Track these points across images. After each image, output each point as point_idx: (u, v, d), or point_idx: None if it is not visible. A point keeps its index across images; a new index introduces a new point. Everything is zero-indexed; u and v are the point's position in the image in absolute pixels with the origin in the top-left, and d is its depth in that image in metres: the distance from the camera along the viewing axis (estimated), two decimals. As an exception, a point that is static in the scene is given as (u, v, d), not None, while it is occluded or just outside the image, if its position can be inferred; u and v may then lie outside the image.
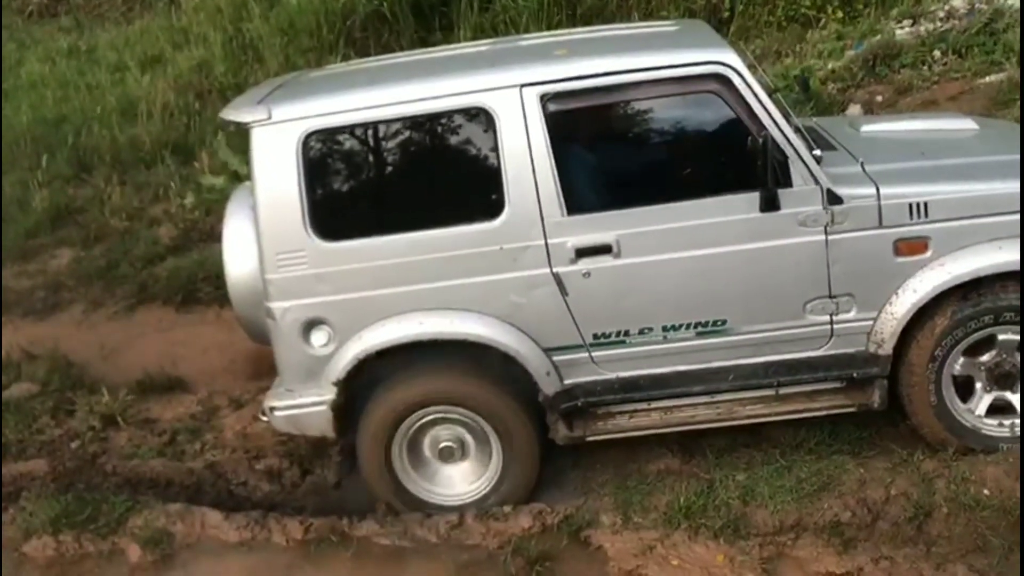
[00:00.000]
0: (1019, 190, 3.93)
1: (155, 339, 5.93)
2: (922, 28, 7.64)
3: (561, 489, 4.44)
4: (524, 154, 4.03)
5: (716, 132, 4.23)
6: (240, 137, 4.19)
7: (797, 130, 4.11)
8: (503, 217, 4.08)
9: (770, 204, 3.98)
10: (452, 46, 5.74)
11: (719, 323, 4.16)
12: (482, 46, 5.10)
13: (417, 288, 4.13)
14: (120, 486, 4.82)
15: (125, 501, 4.51)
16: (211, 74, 9.14)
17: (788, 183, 3.98)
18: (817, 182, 3.98)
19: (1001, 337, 4.09)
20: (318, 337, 4.22)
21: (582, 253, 4.08)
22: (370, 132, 4.17)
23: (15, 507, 4.56)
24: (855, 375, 4.16)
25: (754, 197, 3.98)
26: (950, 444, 4.12)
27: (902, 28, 7.78)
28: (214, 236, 6.20)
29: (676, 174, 4.34)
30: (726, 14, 8.58)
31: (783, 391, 4.24)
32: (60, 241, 7.28)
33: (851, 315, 4.11)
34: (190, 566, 4.23)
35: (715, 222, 4.03)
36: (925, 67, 7.28)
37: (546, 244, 4.08)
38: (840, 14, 8.33)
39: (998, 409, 4.19)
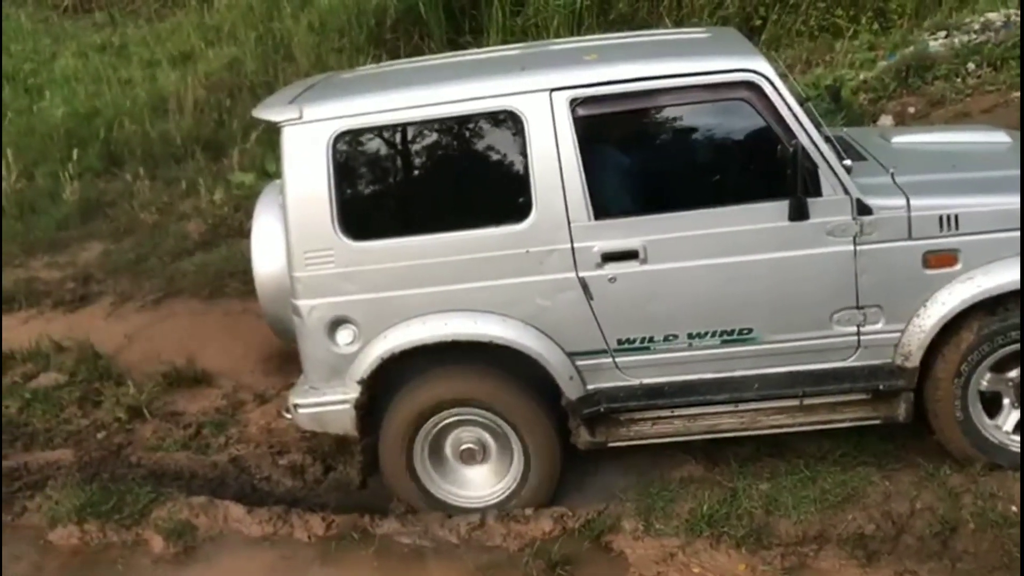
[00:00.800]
0: None
1: (182, 333, 5.97)
2: (956, 40, 7.59)
3: (583, 493, 4.44)
4: (552, 158, 4.04)
5: (746, 140, 4.23)
6: (271, 135, 4.21)
7: (827, 139, 4.09)
8: (530, 220, 4.08)
9: (799, 213, 3.96)
10: (482, 50, 5.76)
11: (745, 332, 4.14)
12: (512, 50, 5.11)
13: (443, 289, 4.14)
14: (144, 478, 4.85)
15: (149, 492, 4.56)
16: (242, 72, 9.20)
17: (817, 192, 3.96)
18: (847, 192, 3.96)
19: None
20: (343, 336, 4.24)
21: (608, 258, 4.08)
22: (400, 133, 4.20)
23: (41, 495, 4.61)
24: (881, 387, 4.13)
25: (783, 206, 3.97)
26: (977, 460, 4.08)
27: (935, 40, 7.73)
28: (242, 232, 6.27)
29: (704, 181, 4.33)
30: (758, 22, 8.56)
31: (808, 401, 4.21)
32: (90, 234, 7.35)
33: (878, 327, 4.08)
34: (212, 559, 4.26)
35: (743, 230, 4.01)
36: (959, 79, 7.23)
37: (572, 248, 4.08)
38: (873, 25, 8.29)
39: (1025, 425, 4.15)
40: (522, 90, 4.06)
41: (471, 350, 4.23)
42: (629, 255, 4.07)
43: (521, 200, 4.08)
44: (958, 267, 3.98)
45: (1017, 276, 3.93)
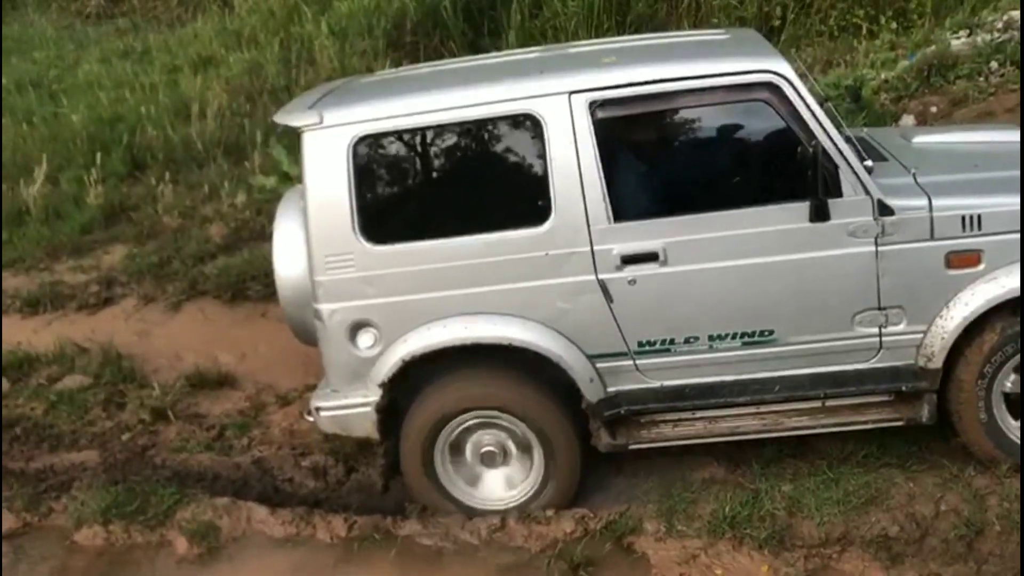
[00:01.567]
0: None
1: (205, 335, 6.01)
2: (978, 39, 7.52)
3: (605, 495, 4.44)
4: (572, 161, 4.04)
5: (766, 141, 4.22)
6: (292, 138, 4.24)
7: (848, 140, 4.08)
8: (549, 223, 4.08)
9: (820, 214, 3.95)
10: (501, 53, 5.77)
11: (766, 333, 4.13)
12: (531, 53, 5.12)
13: (463, 292, 4.15)
14: (169, 479, 4.89)
15: (173, 494, 4.59)
16: (263, 76, 9.25)
17: (838, 193, 3.95)
18: (868, 193, 3.94)
19: None
20: (364, 339, 4.26)
21: (628, 260, 4.08)
22: (419, 137, 4.22)
23: (67, 496, 4.66)
24: (904, 388, 4.11)
25: (803, 207, 3.96)
26: (1001, 461, 4.05)
27: (957, 38, 7.67)
28: (264, 235, 6.30)
29: (724, 183, 4.33)
30: (777, 23, 8.51)
31: (830, 403, 4.20)
32: (113, 238, 7.40)
33: (901, 328, 4.06)
34: (236, 560, 4.29)
35: (763, 231, 4.00)
36: (981, 78, 7.16)
37: (592, 251, 4.08)
38: (893, 24, 8.24)
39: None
40: (541, 93, 4.07)
41: (492, 353, 4.23)
42: (649, 257, 4.07)
43: (540, 203, 4.09)
44: (981, 267, 3.96)
45: None
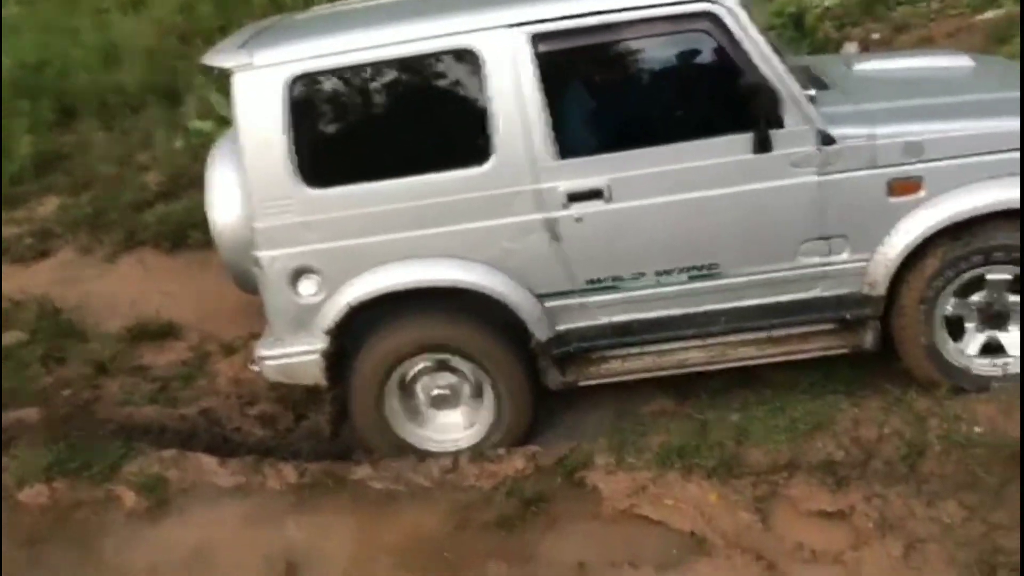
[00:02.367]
0: (1015, 128, 3.89)
1: (145, 286, 5.89)
2: (918, -36, 7.52)
3: (556, 431, 4.46)
4: (514, 97, 3.97)
5: (708, 72, 4.17)
6: (225, 81, 4.11)
7: (790, 69, 4.04)
8: (492, 162, 4.02)
9: (763, 145, 3.94)
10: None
11: (711, 267, 4.14)
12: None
13: (406, 235, 4.09)
14: (114, 433, 4.81)
15: (119, 448, 4.51)
16: (195, 16, 8.97)
17: (780, 124, 3.93)
18: (810, 122, 3.93)
19: (991, 277, 4.08)
20: (306, 286, 4.19)
21: (574, 198, 4.04)
22: (355, 76, 4.10)
23: (8, 455, 4.56)
24: (848, 317, 4.15)
25: (747, 138, 3.94)
26: (941, 384, 4.11)
27: (898, -36, 7.66)
28: (202, 182, 6.13)
29: (668, 116, 4.27)
30: (719, -49, 8.40)
31: (775, 333, 4.24)
32: (46, 188, 7.21)
33: (844, 256, 4.09)
34: (186, 512, 4.23)
35: (707, 164, 3.99)
36: (923, 4, 7.18)
37: (537, 189, 4.04)
38: (836, -50, 8.18)
39: (990, 349, 4.19)
40: (480, 27, 3.98)
41: (439, 296, 4.20)
42: (594, 194, 4.04)
43: (482, 141, 4.02)
44: (922, 194, 3.98)
45: (982, 201, 3.93)
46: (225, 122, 6.79)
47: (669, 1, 3.93)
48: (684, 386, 4.48)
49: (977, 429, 3.79)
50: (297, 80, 4.02)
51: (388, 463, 4.31)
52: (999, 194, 3.93)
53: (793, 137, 3.94)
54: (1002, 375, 4.13)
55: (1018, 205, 3.91)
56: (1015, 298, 4.10)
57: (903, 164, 3.95)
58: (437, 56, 4.04)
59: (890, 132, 3.95)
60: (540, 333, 4.21)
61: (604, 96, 4.40)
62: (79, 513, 4.26)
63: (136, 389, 5.13)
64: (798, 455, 3.84)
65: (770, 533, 3.62)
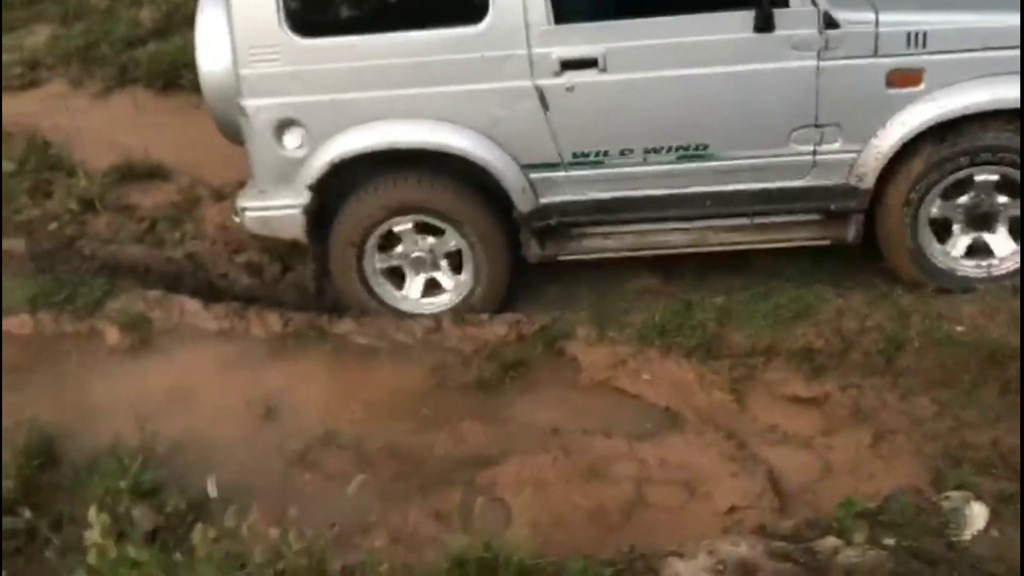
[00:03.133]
0: (1017, 24, 3.78)
1: (135, 124, 5.78)
2: None
3: (538, 303, 4.47)
4: None
5: None
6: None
7: None
8: (486, 22, 3.90)
9: (765, 24, 3.83)
10: None
11: (701, 147, 4.07)
12: None
13: (395, 94, 4.01)
14: (98, 270, 4.81)
15: (103, 285, 4.52)
16: None
17: (784, 3, 3.82)
18: (815, 4, 3.82)
19: (978, 178, 4.03)
20: (291, 139, 4.13)
21: (567, 66, 3.94)
22: None
23: (-9, 283, 4.58)
24: (832, 208, 4.12)
25: (749, 16, 3.83)
26: (926, 285, 4.12)
27: None
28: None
29: None
30: None
31: (759, 220, 4.20)
32: (36, 16, 6.99)
33: (835, 146, 4.03)
34: (167, 351, 4.27)
35: (706, 40, 3.89)
36: None
37: (530, 54, 3.93)
38: None
39: (975, 250, 4.17)
40: None
41: (424, 158, 4.14)
42: (588, 63, 3.93)
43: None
44: (921, 87, 3.89)
45: (982, 98, 3.86)
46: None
47: None
48: (671, 267, 4.47)
49: (959, 328, 3.82)
50: None
51: (372, 319, 4.33)
52: (999, 92, 3.85)
53: (796, 18, 3.83)
54: (987, 277, 4.13)
55: (1016, 105, 3.83)
56: (1003, 199, 4.07)
57: (905, 55, 3.85)
58: None
59: (895, 20, 3.84)
60: (522, 204, 4.18)
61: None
62: (62, 345, 4.30)
63: (122, 228, 5.09)
64: (778, 341, 3.87)
65: (744, 414, 3.68)
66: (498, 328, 4.20)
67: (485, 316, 4.28)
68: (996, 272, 4.13)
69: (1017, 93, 3.81)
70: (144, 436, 3.51)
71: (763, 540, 2.89)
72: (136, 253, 4.93)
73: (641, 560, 2.89)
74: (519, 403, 3.87)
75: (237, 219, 4.43)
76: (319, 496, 3.35)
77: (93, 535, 2.68)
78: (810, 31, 3.84)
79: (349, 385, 4.09)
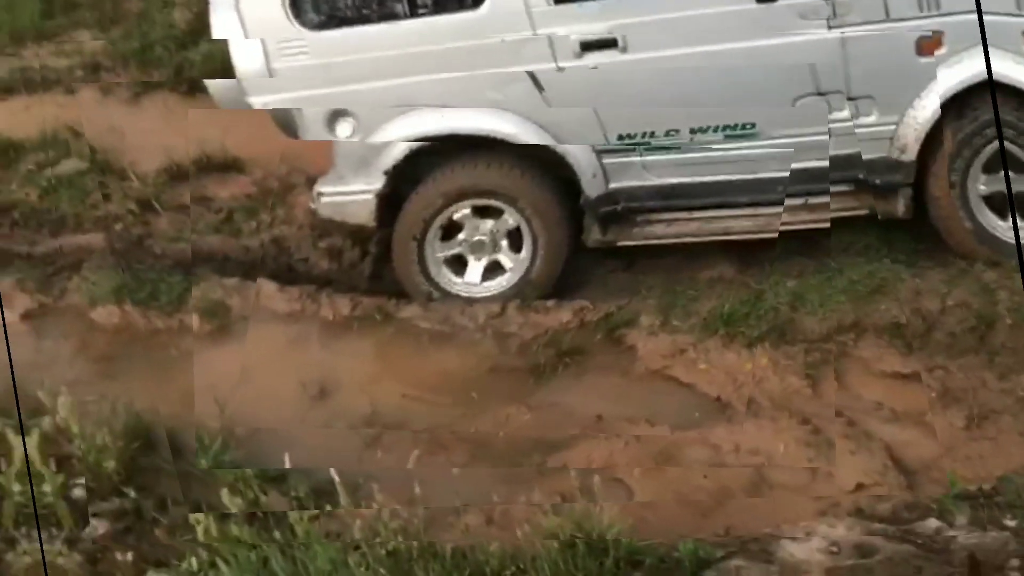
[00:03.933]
0: None
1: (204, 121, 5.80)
2: None
3: (607, 289, 4.45)
4: None
5: None
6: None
7: None
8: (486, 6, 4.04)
9: None
10: None
11: (749, 126, 4.06)
12: None
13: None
14: (173, 267, 4.81)
15: (181, 282, 4.56)
16: None
17: None
18: None
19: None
20: (343, 128, 4.22)
21: (587, 47, 4.01)
22: None
23: (79, 276, 4.63)
24: (878, 182, 4.05)
25: None
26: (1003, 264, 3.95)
27: None
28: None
29: None
30: None
31: (812, 200, 4.14)
32: (75, 23, 6.98)
33: (871, 119, 3.99)
34: (243, 336, 4.31)
35: (712, 13, 3.91)
36: None
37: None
38: None
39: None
40: None
41: (493, 144, 4.19)
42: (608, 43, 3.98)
43: None
44: (944, 51, 3.81)
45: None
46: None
47: None
48: (746, 254, 4.39)
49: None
50: None
51: (438, 304, 4.34)
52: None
53: None
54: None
55: None
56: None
57: (920, 18, 3.80)
58: None
59: None
60: (592, 190, 4.20)
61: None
62: (148, 336, 4.37)
63: (201, 218, 5.11)
64: (862, 317, 3.81)
65: (818, 400, 3.62)
66: (563, 315, 4.18)
67: (551, 303, 4.26)
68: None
69: None
70: (224, 419, 3.58)
71: (861, 523, 2.86)
72: (214, 243, 4.98)
73: (753, 542, 2.86)
74: (568, 390, 3.88)
75: (313, 205, 4.50)
76: (398, 477, 3.33)
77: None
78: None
79: (403, 368, 4.14)
